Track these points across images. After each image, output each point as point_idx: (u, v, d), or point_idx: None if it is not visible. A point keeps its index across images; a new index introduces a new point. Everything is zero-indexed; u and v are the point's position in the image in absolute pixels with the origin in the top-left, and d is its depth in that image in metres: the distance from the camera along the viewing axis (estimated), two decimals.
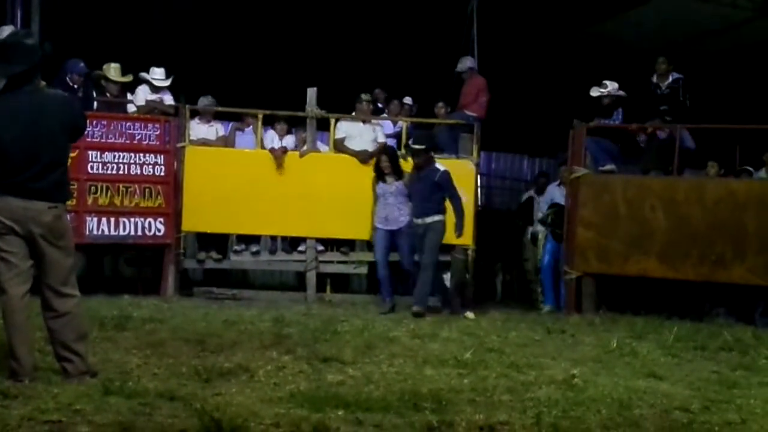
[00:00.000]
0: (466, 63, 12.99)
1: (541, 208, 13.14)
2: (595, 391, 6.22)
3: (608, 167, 11.82)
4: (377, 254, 11.36)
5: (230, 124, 12.97)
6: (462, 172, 12.09)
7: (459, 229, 10.85)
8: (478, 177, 13.05)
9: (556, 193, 12.86)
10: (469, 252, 12.03)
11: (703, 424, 5.47)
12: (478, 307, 11.61)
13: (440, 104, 13.01)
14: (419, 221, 10.94)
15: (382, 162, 11.31)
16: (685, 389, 6.55)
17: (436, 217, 10.88)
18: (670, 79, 11.90)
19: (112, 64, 11.85)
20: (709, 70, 14.94)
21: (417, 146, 11.08)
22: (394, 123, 12.89)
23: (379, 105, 13.28)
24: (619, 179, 11.67)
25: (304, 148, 12.05)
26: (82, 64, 11.43)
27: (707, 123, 11.82)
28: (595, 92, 12.08)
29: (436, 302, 11.06)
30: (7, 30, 11.50)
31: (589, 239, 11.53)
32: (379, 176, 11.34)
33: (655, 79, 12.06)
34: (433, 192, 10.92)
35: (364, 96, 12.26)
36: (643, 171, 11.87)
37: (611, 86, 12.04)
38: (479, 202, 13.45)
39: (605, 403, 5.85)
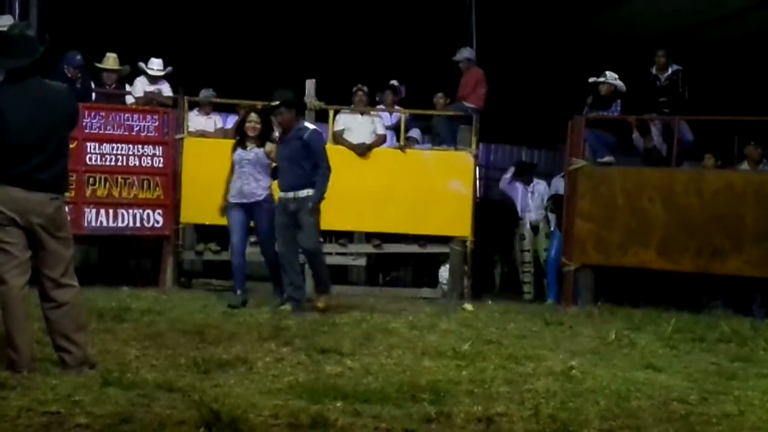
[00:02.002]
0: (464, 53, 12.98)
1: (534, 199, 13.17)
2: (594, 383, 6.22)
3: (607, 159, 11.82)
4: (232, 236, 10.00)
5: (229, 116, 12.94)
6: (460, 163, 12.14)
7: (314, 201, 9.43)
8: (477, 168, 13.03)
9: (560, 185, 12.89)
10: (467, 243, 12.04)
11: (701, 415, 5.48)
12: (477, 298, 11.62)
13: (439, 95, 12.99)
14: (289, 195, 9.54)
15: (248, 122, 9.95)
16: (684, 381, 6.56)
17: (310, 191, 9.50)
18: (670, 71, 11.93)
19: (110, 54, 11.86)
20: (707, 61, 14.91)
21: (277, 103, 9.62)
22: (391, 114, 12.87)
23: (402, 95, 13.14)
24: (617, 171, 11.68)
25: None
26: (79, 56, 11.45)
27: (704, 115, 11.82)
28: (592, 79, 12.08)
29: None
30: (6, 19, 11.54)
31: (587, 231, 11.54)
32: (241, 140, 9.98)
33: (654, 70, 12.07)
34: (303, 157, 9.49)
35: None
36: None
37: (610, 75, 12.04)
38: (478, 194, 13.43)
39: (603, 395, 5.86)
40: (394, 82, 13.21)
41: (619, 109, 12.10)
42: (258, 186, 9.84)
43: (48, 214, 5.81)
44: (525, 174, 13.43)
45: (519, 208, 13.17)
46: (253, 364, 6.39)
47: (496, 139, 18.38)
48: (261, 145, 9.85)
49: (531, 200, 13.07)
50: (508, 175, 13.67)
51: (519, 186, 13.29)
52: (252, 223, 10.02)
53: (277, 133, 10.11)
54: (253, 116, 9.97)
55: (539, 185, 13.21)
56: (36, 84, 5.91)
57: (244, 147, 9.89)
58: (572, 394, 5.83)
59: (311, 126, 9.69)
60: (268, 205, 9.80)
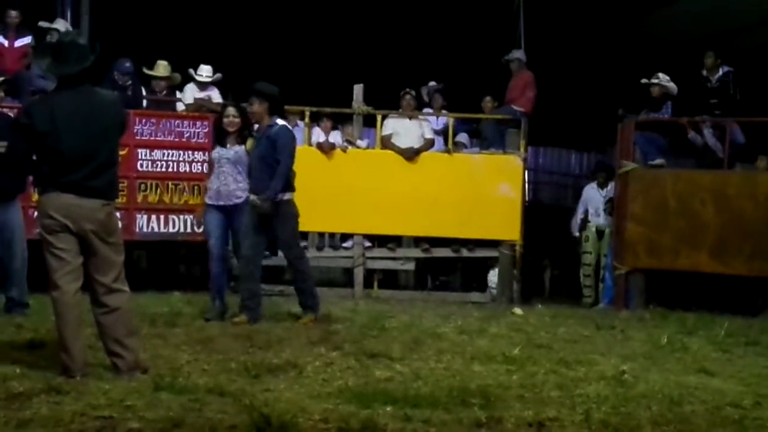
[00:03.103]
0: (516, 54, 12.92)
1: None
2: (646, 388, 6.16)
3: (658, 161, 11.72)
4: (210, 240, 9.10)
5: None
6: (509, 167, 12.10)
7: (272, 192, 8.58)
8: (526, 172, 12.98)
9: (591, 194, 12.77)
10: (517, 247, 11.99)
11: (755, 420, 5.41)
12: (526, 303, 11.56)
13: (487, 99, 12.95)
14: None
15: (225, 117, 9.15)
16: (737, 385, 6.48)
17: (285, 196, 8.76)
18: (720, 72, 11.81)
19: (161, 62, 11.97)
20: (759, 63, 14.72)
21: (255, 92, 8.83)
22: (437, 117, 12.85)
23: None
24: (668, 173, 11.58)
25: (344, 143, 12.08)
26: (128, 63, 11.57)
27: (756, 116, 11.67)
28: (645, 80, 11.98)
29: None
30: (61, 23, 11.72)
31: (638, 234, 11.45)
32: (220, 137, 9.17)
33: (704, 72, 11.95)
34: (273, 156, 8.72)
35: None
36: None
37: (663, 77, 11.93)
38: (527, 198, 13.36)
39: (656, 400, 5.80)
40: (432, 84, 13.05)
41: (669, 111, 11.99)
42: (237, 188, 8.97)
43: (100, 220, 5.87)
44: (602, 175, 13.22)
45: (591, 211, 12.98)
46: (302, 369, 6.40)
47: (545, 142, 18.30)
48: (242, 142, 9.06)
49: (602, 204, 12.87)
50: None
51: (594, 187, 13.14)
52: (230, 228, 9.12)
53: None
54: (230, 110, 9.18)
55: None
56: (87, 92, 5.98)
57: (224, 145, 9.06)
58: (624, 399, 5.78)
59: (281, 122, 8.87)
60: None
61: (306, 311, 8.93)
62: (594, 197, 12.91)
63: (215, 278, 9.11)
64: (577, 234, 12.96)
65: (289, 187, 8.75)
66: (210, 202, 9.06)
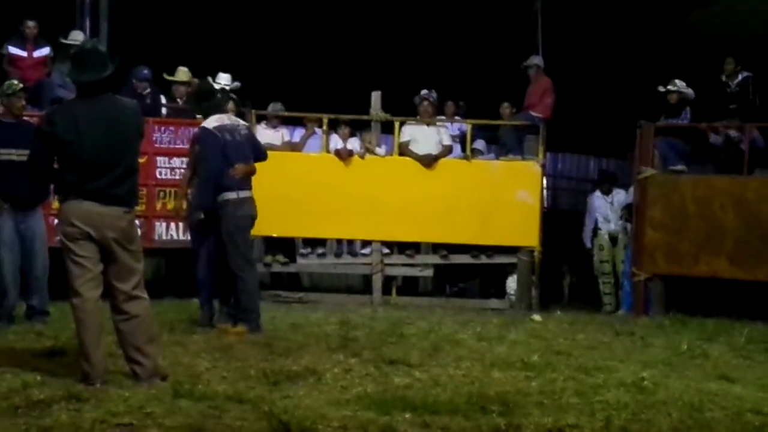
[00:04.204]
0: (534, 60, 12.91)
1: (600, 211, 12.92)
2: (666, 394, 6.15)
3: (679, 167, 11.67)
4: (192, 244, 9.14)
5: (296, 130, 13.01)
6: (527, 173, 12.09)
7: (195, 204, 8.61)
8: (544, 178, 12.95)
9: (597, 203, 12.74)
10: (535, 254, 11.97)
11: None
12: (545, 309, 11.54)
13: (505, 105, 12.94)
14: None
15: None
16: (758, 391, 6.45)
17: (225, 196, 8.34)
18: (740, 77, 11.79)
19: (181, 68, 12.02)
20: None
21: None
22: (451, 123, 12.83)
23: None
24: (687, 179, 11.53)
25: (362, 150, 12.10)
26: (146, 71, 11.63)
27: None
28: (662, 88, 11.95)
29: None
30: (77, 34, 11.78)
31: (657, 240, 11.41)
32: None
33: (723, 78, 11.93)
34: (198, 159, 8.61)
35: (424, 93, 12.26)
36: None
37: (680, 84, 11.91)
38: (545, 204, 13.32)
39: (676, 406, 5.78)
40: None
41: (688, 117, 11.96)
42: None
43: (121, 228, 5.91)
44: (605, 184, 13.20)
45: (599, 219, 12.93)
46: (321, 376, 6.42)
47: (563, 148, 18.27)
48: None
49: (611, 210, 12.82)
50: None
51: (599, 196, 13.09)
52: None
53: None
54: None
55: (619, 195, 12.86)
56: (108, 100, 6.03)
57: None
58: (644, 406, 5.77)
59: (204, 123, 8.52)
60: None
61: (240, 323, 8.40)
62: (601, 205, 12.86)
63: (200, 284, 8.96)
64: (589, 245, 12.90)
65: (230, 187, 8.32)
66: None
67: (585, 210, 13.42)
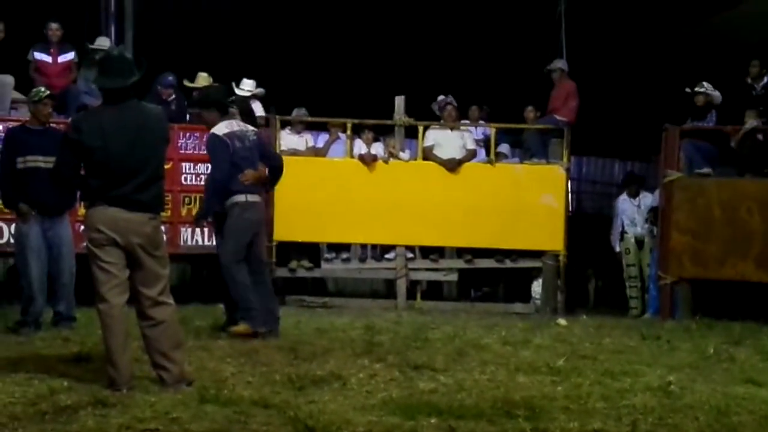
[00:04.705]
0: (558, 63, 12.89)
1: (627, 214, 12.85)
2: (692, 398, 6.11)
3: (705, 170, 11.61)
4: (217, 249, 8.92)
5: (320, 135, 13.04)
6: (552, 177, 12.08)
7: (200, 211, 8.98)
8: (569, 182, 12.92)
9: (624, 206, 12.67)
10: (560, 258, 11.94)
11: None
12: (570, 313, 11.50)
13: (529, 108, 12.93)
14: None
15: None
16: None
17: (234, 199, 8.39)
18: (765, 80, 11.73)
19: (201, 74, 12.05)
20: None
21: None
22: (476, 128, 12.83)
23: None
24: (713, 182, 11.47)
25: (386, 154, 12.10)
26: (171, 77, 11.68)
27: None
28: (689, 90, 11.90)
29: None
30: (103, 40, 11.84)
31: (683, 243, 11.36)
32: None
33: (749, 80, 11.87)
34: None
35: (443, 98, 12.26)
36: (739, 173, 11.63)
37: (708, 86, 11.85)
38: (570, 207, 13.28)
39: (703, 410, 5.74)
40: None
41: (714, 120, 11.90)
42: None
43: (147, 234, 5.94)
44: (633, 186, 13.12)
45: (626, 222, 12.87)
46: (346, 380, 6.41)
47: (588, 151, 18.20)
48: None
49: (638, 213, 12.76)
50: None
51: (626, 199, 13.03)
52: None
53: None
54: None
55: (646, 198, 12.81)
56: (134, 106, 6.06)
57: None
58: (670, 410, 5.73)
59: (214, 129, 8.47)
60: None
61: (240, 322, 8.37)
62: (628, 208, 12.79)
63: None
64: (618, 249, 12.83)
65: (239, 190, 8.32)
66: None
67: (610, 213, 13.38)
